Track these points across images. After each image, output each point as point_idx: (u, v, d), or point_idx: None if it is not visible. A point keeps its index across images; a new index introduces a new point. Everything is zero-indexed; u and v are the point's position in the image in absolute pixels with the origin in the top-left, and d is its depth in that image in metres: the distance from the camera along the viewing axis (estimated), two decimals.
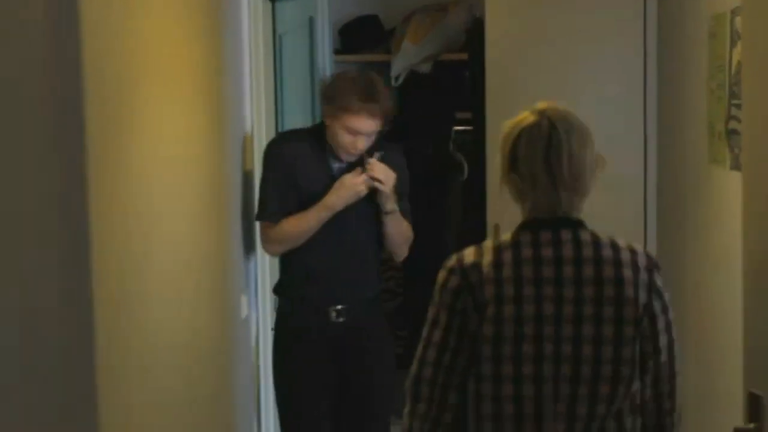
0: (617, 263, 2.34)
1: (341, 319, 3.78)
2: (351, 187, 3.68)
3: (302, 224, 3.72)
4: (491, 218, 4.81)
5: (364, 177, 3.68)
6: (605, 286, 2.32)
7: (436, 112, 5.00)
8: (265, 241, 3.82)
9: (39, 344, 1.61)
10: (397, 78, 5.04)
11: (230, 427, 3.48)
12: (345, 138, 3.67)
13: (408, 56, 5.02)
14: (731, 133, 3.29)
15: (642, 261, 2.38)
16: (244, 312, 3.76)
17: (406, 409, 2.41)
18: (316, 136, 3.77)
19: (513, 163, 2.40)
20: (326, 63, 4.69)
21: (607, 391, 2.31)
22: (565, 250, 2.35)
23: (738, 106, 3.20)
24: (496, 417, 2.33)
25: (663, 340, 2.38)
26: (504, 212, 4.73)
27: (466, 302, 2.34)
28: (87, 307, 1.81)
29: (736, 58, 3.23)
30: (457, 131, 5.12)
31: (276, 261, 4.11)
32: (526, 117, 2.45)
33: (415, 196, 5.18)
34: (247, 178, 3.86)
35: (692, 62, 3.95)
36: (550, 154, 2.38)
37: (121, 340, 2.04)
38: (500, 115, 4.72)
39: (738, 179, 3.24)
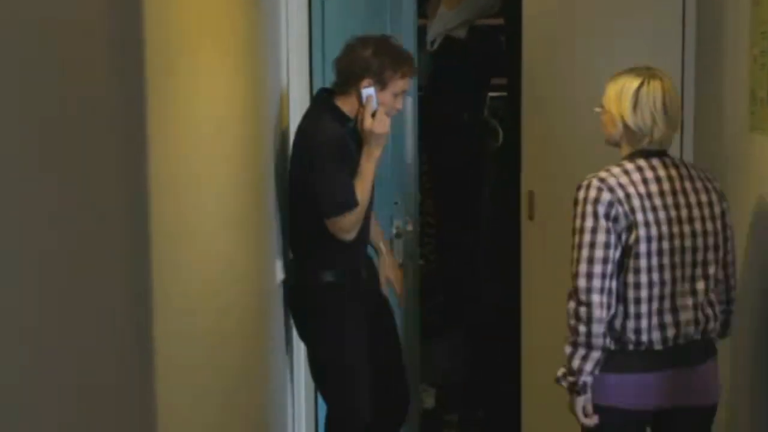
0: (704, 179, 3.15)
1: (365, 277, 3.84)
2: (383, 128, 3.63)
3: (367, 192, 3.70)
4: (526, 185, 4.79)
5: (378, 113, 3.62)
6: (703, 194, 3.11)
7: (471, 78, 4.96)
8: (349, 230, 3.67)
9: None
10: (432, 43, 5.01)
11: (265, 386, 3.50)
12: (397, 103, 3.66)
13: (444, 21, 4.98)
14: None
15: (715, 181, 3.20)
16: (279, 276, 3.76)
17: (581, 317, 3.01)
18: (335, 115, 3.72)
19: (634, 109, 3.13)
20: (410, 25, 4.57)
21: (712, 272, 3.08)
22: (672, 170, 3.10)
23: None
24: (649, 299, 3.02)
25: (729, 234, 3.16)
26: (538, 179, 4.75)
27: (618, 212, 3.01)
28: (145, 246, 1.87)
29: None
30: (492, 97, 5.09)
31: None
32: (633, 77, 3.19)
33: (450, 162, 5.17)
34: (283, 137, 3.86)
35: (733, 29, 3.90)
36: (666, 100, 3.12)
37: (174, 281, 2.11)
38: (536, 81, 4.74)
39: None
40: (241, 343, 3.07)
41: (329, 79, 3.86)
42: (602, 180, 3.06)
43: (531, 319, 4.78)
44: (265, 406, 3.53)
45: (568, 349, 3.06)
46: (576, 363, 3.03)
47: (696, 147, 4.65)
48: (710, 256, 3.07)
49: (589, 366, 3.02)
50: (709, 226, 3.08)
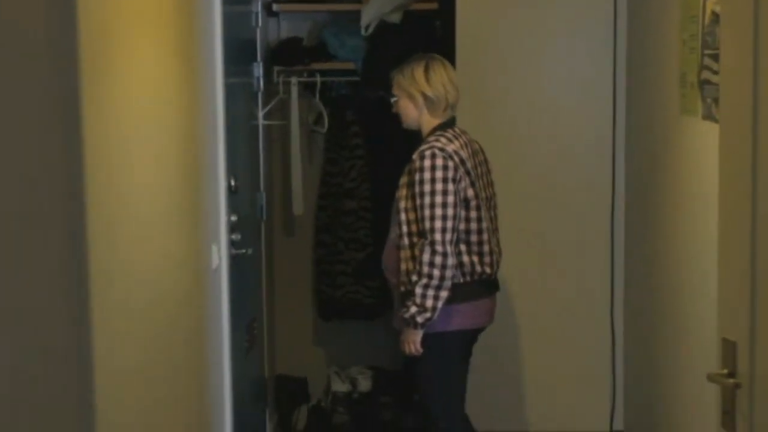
0: (475, 141, 3.96)
1: None
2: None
3: None
4: None
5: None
6: (480, 155, 3.96)
7: None
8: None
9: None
10: (367, 27, 5.00)
11: (203, 371, 3.48)
12: None
13: (378, 6, 4.97)
14: (704, 83, 3.30)
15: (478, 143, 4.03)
16: (215, 262, 3.75)
17: (436, 263, 3.65)
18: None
19: (428, 83, 3.87)
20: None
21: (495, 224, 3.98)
22: (464, 136, 3.89)
23: (711, 56, 3.21)
24: (488, 240, 3.84)
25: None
26: None
27: (458, 174, 3.71)
28: (82, 241, 1.86)
29: (709, 8, 3.23)
30: None
31: None
32: (417, 62, 3.93)
33: (385, 145, 5.18)
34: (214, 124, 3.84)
35: (663, 14, 3.95)
36: (449, 73, 3.94)
37: (107, 273, 2.08)
38: (470, 66, 4.76)
39: (710, 129, 3.25)
40: (178, 332, 3.05)
41: None
42: (442, 149, 3.72)
43: None
44: (202, 394, 3.52)
45: (420, 291, 3.67)
46: (430, 302, 3.68)
47: (627, 131, 4.70)
48: (493, 206, 3.95)
49: (440, 304, 3.69)
50: (488, 180, 3.94)
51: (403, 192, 3.80)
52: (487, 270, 3.86)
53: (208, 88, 3.68)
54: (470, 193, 3.77)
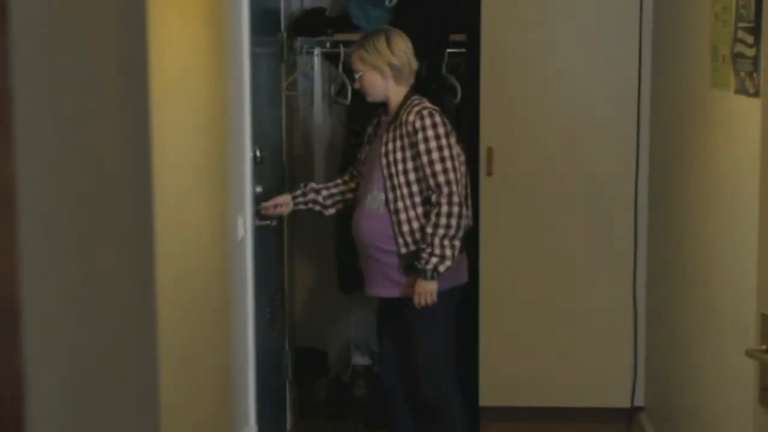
0: None
1: None
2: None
3: None
4: (484, 141, 4.79)
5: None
6: None
7: (430, 34, 4.93)
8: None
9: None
10: None
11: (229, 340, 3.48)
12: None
13: None
14: (737, 57, 3.26)
15: None
16: (240, 233, 3.74)
17: (453, 213, 3.85)
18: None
19: (393, 53, 4.03)
20: None
21: None
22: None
23: (745, 29, 3.17)
24: (467, 195, 4.02)
25: None
26: (497, 135, 4.75)
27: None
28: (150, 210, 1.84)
29: None
30: (451, 53, 5.06)
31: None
32: (376, 34, 4.07)
33: None
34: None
35: None
36: (406, 41, 4.09)
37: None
38: (496, 38, 4.73)
39: (743, 103, 3.22)
40: (207, 304, 3.05)
41: None
42: (435, 108, 3.93)
43: (489, 272, 4.79)
44: (228, 366, 3.52)
45: (439, 241, 3.81)
46: (449, 252, 3.83)
47: (653, 105, 4.67)
48: None
49: (456, 253, 3.88)
50: None
51: (398, 155, 3.95)
52: (470, 222, 4.11)
53: (235, 58, 3.65)
54: (460, 147, 4.01)
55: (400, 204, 3.95)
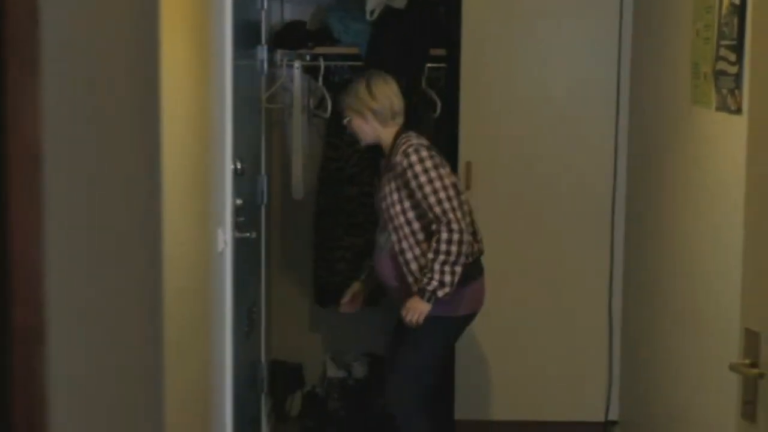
0: None
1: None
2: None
3: None
4: (463, 156, 4.81)
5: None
6: None
7: (410, 48, 4.95)
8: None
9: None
10: (372, 13, 4.98)
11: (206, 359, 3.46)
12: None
13: None
14: (719, 74, 3.29)
15: None
16: (220, 246, 3.72)
17: (453, 240, 3.86)
18: None
19: (374, 99, 4.07)
20: None
21: None
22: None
23: (728, 47, 3.20)
24: (471, 223, 4.03)
25: None
26: (476, 150, 4.77)
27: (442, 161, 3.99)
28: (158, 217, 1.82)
29: None
30: (430, 68, 5.08)
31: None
32: (359, 83, 4.11)
33: None
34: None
35: (674, 3, 3.94)
36: (391, 85, 4.14)
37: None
38: (475, 53, 4.75)
39: (724, 120, 3.25)
40: (184, 317, 3.03)
41: None
42: (420, 144, 3.97)
43: None
44: (205, 379, 3.50)
45: (438, 267, 3.85)
46: (448, 278, 3.87)
47: (633, 119, 4.70)
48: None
49: (456, 279, 3.89)
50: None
51: (394, 197, 4.00)
52: (481, 246, 4.13)
53: (218, 70, 3.65)
54: (453, 178, 4.04)
55: (404, 244, 4.01)
